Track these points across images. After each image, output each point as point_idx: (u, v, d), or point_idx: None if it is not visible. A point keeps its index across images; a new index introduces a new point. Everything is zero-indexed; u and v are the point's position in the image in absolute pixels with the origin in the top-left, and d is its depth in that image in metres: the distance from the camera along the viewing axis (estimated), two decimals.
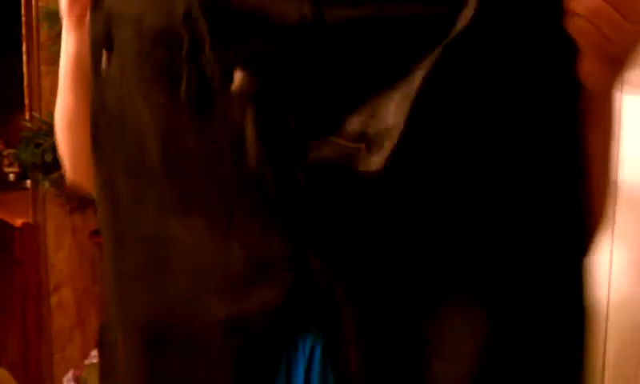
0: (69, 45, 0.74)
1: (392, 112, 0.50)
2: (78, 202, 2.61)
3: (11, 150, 3.45)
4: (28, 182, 2.76)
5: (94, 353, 2.64)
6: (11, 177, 3.72)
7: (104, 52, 0.63)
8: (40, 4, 2.46)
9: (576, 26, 0.54)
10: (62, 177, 2.42)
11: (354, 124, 0.52)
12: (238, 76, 0.54)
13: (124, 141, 0.63)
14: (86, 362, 2.64)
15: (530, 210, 0.55)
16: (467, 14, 0.49)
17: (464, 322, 0.54)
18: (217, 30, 0.54)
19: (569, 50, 0.54)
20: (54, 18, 2.38)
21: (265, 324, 0.57)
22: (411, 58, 0.51)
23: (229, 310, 0.58)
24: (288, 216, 0.55)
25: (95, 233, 2.58)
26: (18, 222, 2.69)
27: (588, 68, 0.56)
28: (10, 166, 3.77)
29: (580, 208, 0.57)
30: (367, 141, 0.51)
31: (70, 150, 0.80)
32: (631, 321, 1.37)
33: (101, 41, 0.63)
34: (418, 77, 0.49)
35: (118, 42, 0.62)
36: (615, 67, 0.57)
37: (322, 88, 0.53)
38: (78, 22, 0.71)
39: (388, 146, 0.49)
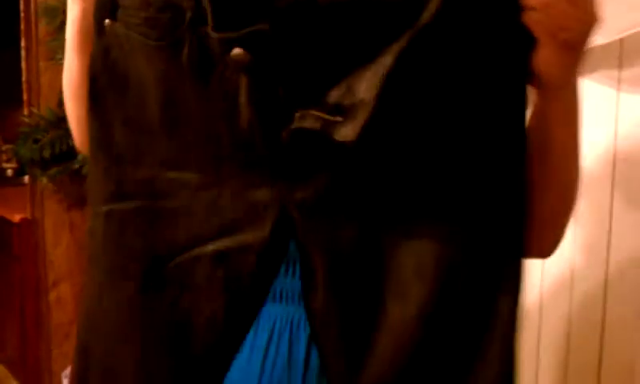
0: (74, 10, 0.77)
1: (364, 88, 0.58)
2: (76, 197, 2.61)
3: (9, 146, 3.45)
4: (26, 178, 2.76)
5: None
6: (9, 172, 3.73)
7: (108, 15, 0.68)
8: (39, 0, 2.45)
9: (533, 18, 0.61)
10: (60, 173, 2.42)
11: (333, 97, 0.59)
12: (235, 51, 0.60)
13: (125, 98, 0.68)
14: None
15: (473, 169, 0.64)
16: (432, 5, 0.57)
17: (414, 268, 0.63)
18: (219, 11, 0.60)
19: (524, 42, 0.62)
20: (53, 14, 2.37)
21: (249, 260, 0.65)
22: (386, 38, 0.58)
23: (217, 247, 0.66)
24: (272, 170, 0.64)
25: None
26: (16, 218, 2.69)
27: (545, 56, 0.63)
28: (7, 161, 3.77)
29: (522, 173, 0.65)
30: (343, 112, 0.59)
31: (78, 115, 0.82)
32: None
33: (105, 5, 0.68)
34: (387, 58, 0.57)
35: (123, 8, 0.67)
36: (570, 54, 0.64)
37: (308, 63, 0.60)
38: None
39: (360, 118, 0.58)
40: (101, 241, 0.71)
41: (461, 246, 0.64)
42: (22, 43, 2.55)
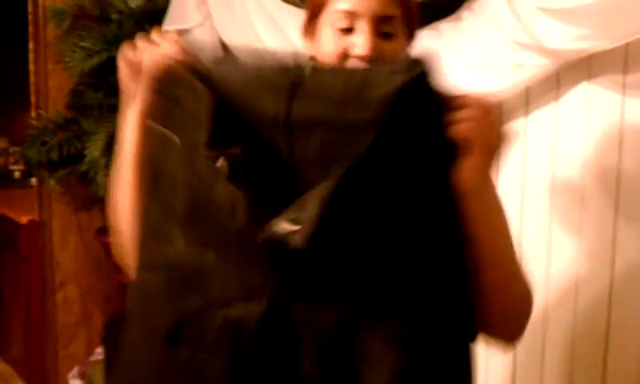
0: (133, 142, 0.93)
1: (311, 205, 0.74)
2: (83, 200, 2.63)
3: (17, 148, 3.47)
4: (33, 180, 2.78)
5: (99, 349, 2.66)
6: (17, 174, 3.74)
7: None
8: (47, 2, 2.47)
9: (462, 129, 0.78)
10: (67, 175, 2.44)
11: (292, 212, 0.76)
12: (219, 162, 0.78)
13: (160, 186, 0.87)
14: (91, 358, 2.66)
15: (420, 265, 0.80)
16: (367, 137, 0.74)
17: (385, 344, 0.79)
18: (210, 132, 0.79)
19: (448, 158, 0.79)
20: (61, 17, 2.39)
21: (249, 328, 0.80)
22: (337, 157, 0.75)
23: (224, 317, 0.81)
24: (263, 259, 0.80)
25: (101, 231, 2.59)
26: (24, 220, 2.71)
27: (470, 161, 0.78)
28: (15, 163, 3.79)
29: (462, 267, 0.82)
30: (297, 224, 0.75)
31: (130, 237, 0.93)
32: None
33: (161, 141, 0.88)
34: (330, 181, 0.74)
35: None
36: (488, 158, 0.81)
37: (276, 179, 0.79)
38: (140, 125, 0.91)
39: (306, 230, 0.74)
40: (136, 301, 0.89)
41: (418, 327, 0.80)
42: (30, 46, 2.57)
